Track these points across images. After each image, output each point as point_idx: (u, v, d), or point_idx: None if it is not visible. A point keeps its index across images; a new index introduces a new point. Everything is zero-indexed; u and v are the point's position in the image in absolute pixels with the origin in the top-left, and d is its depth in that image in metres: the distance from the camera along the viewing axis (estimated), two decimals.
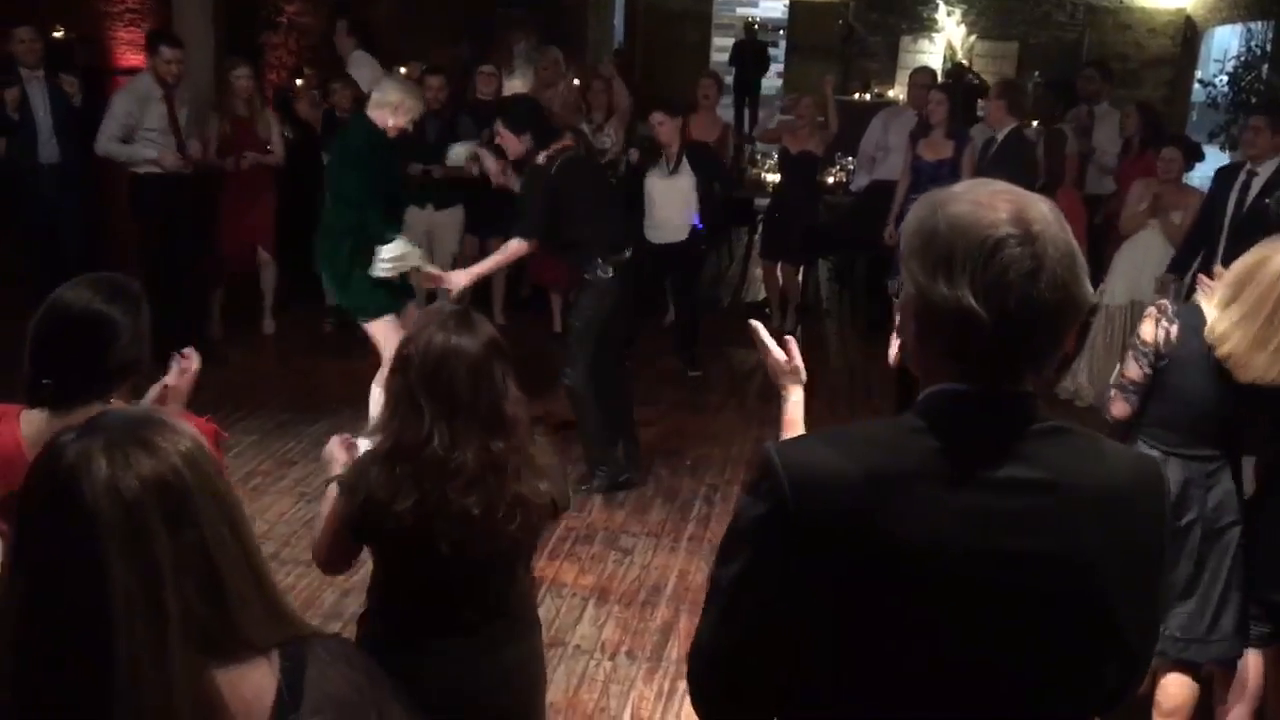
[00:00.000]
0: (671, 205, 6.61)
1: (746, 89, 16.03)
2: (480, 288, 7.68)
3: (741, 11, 20.95)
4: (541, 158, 4.88)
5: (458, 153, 5.57)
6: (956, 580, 1.34)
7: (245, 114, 6.90)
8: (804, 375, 2.29)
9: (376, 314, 5.13)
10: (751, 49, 16.16)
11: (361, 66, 7.67)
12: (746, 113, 15.81)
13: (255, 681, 1.26)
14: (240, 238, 7.04)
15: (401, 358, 2.27)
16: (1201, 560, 3.09)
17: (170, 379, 2.48)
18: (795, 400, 2.27)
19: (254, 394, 6.24)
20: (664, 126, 6.52)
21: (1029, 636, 1.36)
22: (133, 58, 9.85)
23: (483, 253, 7.53)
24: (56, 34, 8.44)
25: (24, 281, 5.96)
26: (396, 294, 5.18)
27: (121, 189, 6.72)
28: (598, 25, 13.76)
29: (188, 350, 2.53)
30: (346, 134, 5.27)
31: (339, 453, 2.52)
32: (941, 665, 1.35)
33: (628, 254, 5.09)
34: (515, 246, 5.00)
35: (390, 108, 4.99)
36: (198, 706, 1.19)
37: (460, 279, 5.03)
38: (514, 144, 4.95)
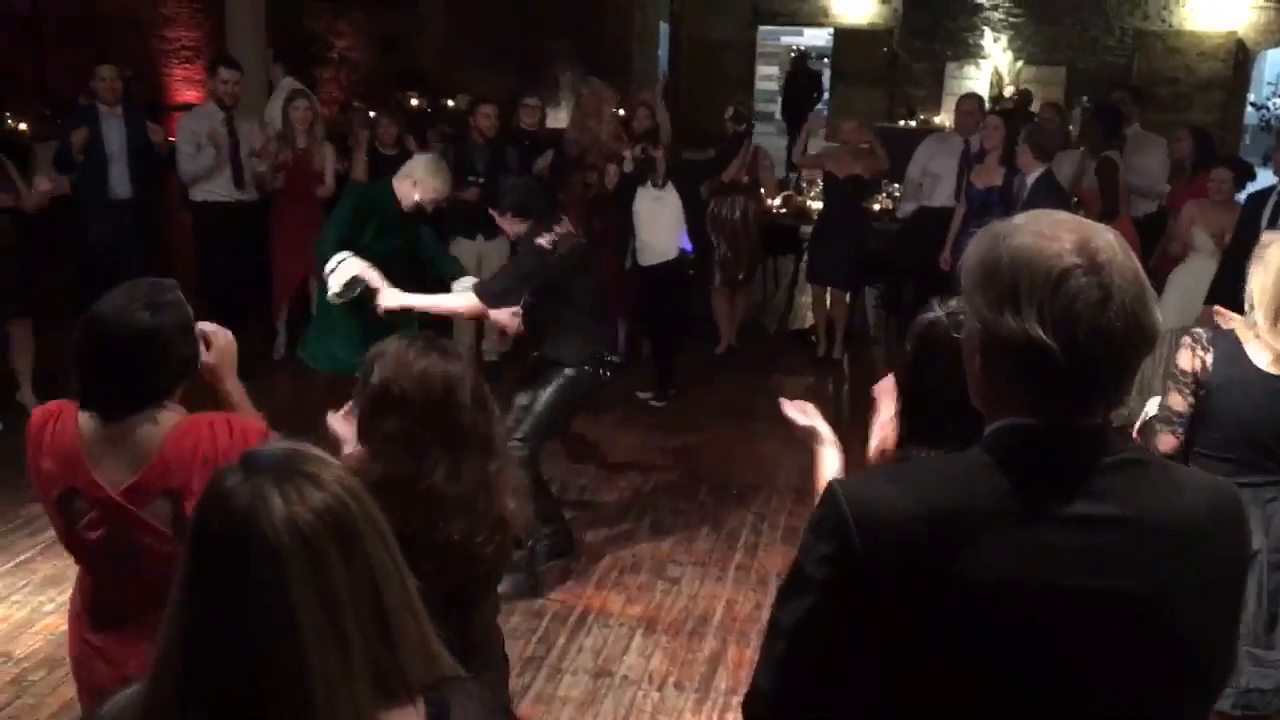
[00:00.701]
0: (659, 227, 6.61)
1: (799, 119, 15.80)
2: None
3: (786, 40, 21.01)
4: (546, 241, 4.57)
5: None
6: (1028, 619, 1.31)
7: (304, 145, 7.05)
8: (825, 435, 2.27)
9: (327, 367, 5.06)
10: (804, 78, 15.90)
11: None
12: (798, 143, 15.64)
13: None
14: (292, 266, 7.16)
15: (391, 396, 2.13)
16: (1275, 595, 2.99)
17: (207, 358, 2.41)
18: (824, 459, 2.23)
19: (303, 414, 6.31)
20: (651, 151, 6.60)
21: (1103, 676, 1.33)
22: (188, 93, 10.09)
23: None
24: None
25: (81, 310, 6.08)
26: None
27: (184, 221, 6.94)
28: (642, 55, 13.86)
29: (204, 327, 2.42)
30: (351, 191, 5.28)
31: (344, 429, 2.47)
32: (1014, 705, 1.33)
33: (617, 360, 4.91)
34: (468, 303, 4.66)
35: (411, 181, 4.93)
36: None
37: (392, 300, 4.67)
38: (512, 227, 4.69)
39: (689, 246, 6.58)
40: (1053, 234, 1.33)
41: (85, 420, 2.22)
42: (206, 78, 6.84)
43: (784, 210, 8.55)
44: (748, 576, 4.75)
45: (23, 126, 8.40)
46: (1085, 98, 13.00)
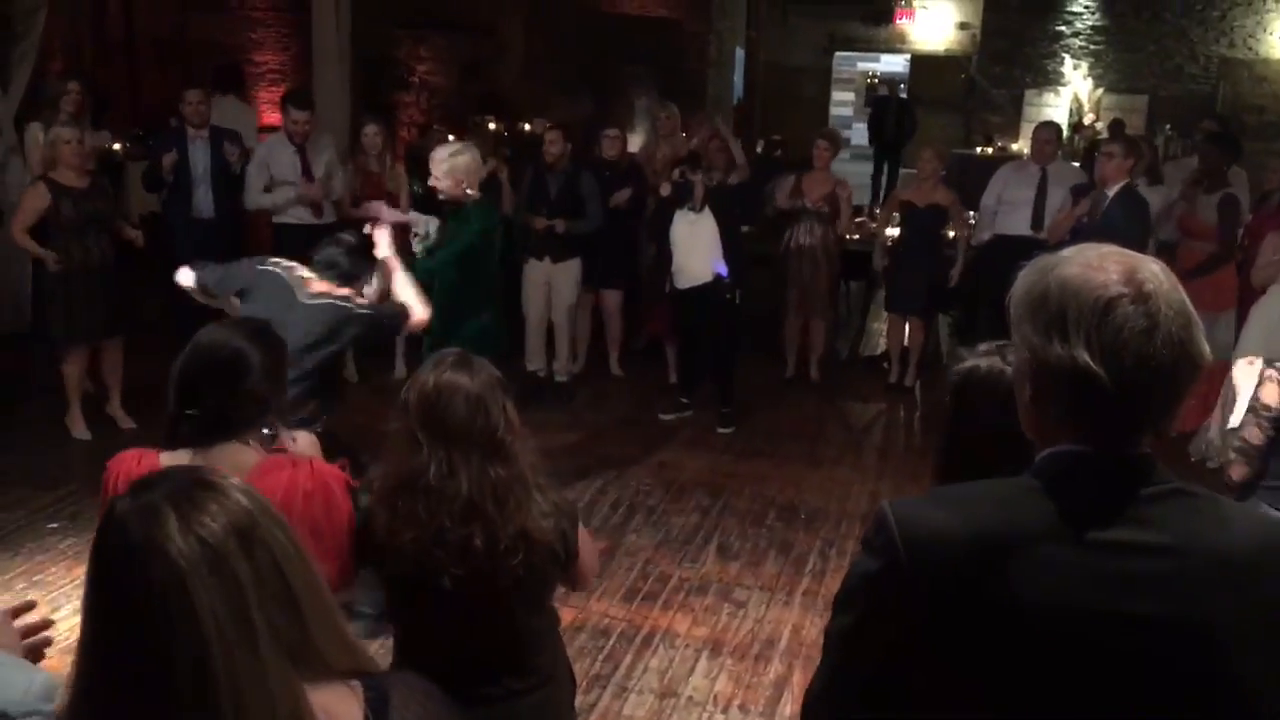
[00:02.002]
0: (694, 251, 6.58)
1: (887, 150, 15.21)
2: (596, 339, 7.84)
3: (862, 66, 20.97)
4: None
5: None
6: (1072, 642, 1.33)
7: (376, 169, 7.20)
8: None
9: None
10: (895, 108, 15.34)
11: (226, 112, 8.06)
12: (884, 176, 15.14)
13: (344, 709, 1.31)
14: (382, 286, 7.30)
15: (402, 401, 2.31)
16: None
17: (300, 449, 2.56)
18: None
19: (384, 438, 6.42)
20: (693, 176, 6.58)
21: (1146, 701, 1.34)
22: (273, 116, 10.36)
23: (597, 304, 7.69)
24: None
25: (166, 327, 6.27)
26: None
27: (266, 240, 7.12)
28: (717, 80, 13.92)
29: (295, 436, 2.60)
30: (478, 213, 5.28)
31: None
32: None
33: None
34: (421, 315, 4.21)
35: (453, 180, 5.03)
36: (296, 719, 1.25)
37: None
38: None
39: (724, 270, 6.56)
40: (1100, 264, 1.36)
41: (168, 460, 2.26)
42: (281, 113, 7.01)
43: (856, 236, 8.54)
44: (814, 602, 4.73)
45: (116, 146, 8.69)
46: (1169, 126, 12.79)
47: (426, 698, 1.39)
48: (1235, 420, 3.23)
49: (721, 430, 6.80)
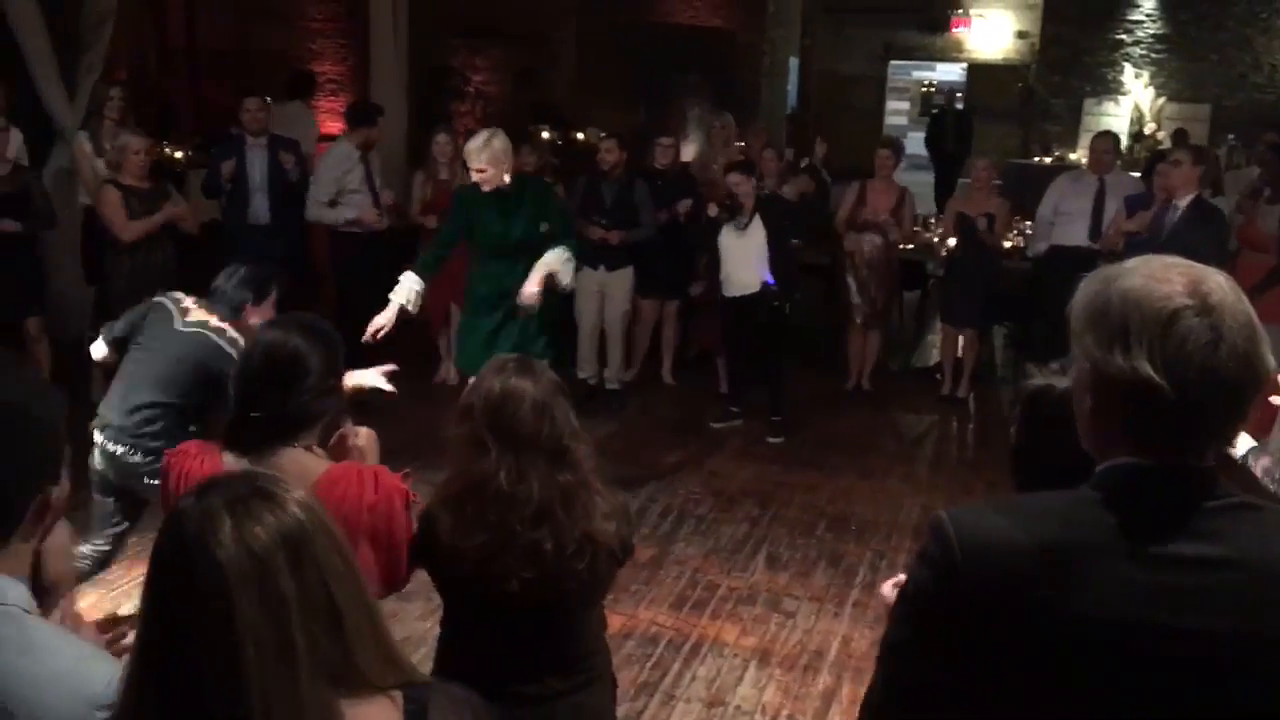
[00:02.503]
0: (742, 260, 6.58)
1: (946, 163, 14.77)
2: (651, 349, 7.85)
3: (918, 75, 20.83)
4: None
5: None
6: (1131, 656, 1.31)
7: (446, 177, 7.28)
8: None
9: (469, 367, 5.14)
10: (952, 120, 15.03)
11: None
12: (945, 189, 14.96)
13: (380, 718, 1.32)
14: (437, 293, 7.37)
15: (465, 405, 2.33)
16: None
17: (358, 442, 2.58)
18: None
19: (435, 442, 6.48)
20: (741, 186, 6.55)
21: (1206, 717, 1.32)
22: (332, 125, 10.50)
23: (650, 312, 7.70)
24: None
25: None
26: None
27: (323, 246, 7.23)
28: (771, 90, 13.90)
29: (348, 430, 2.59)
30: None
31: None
32: None
33: None
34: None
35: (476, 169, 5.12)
36: None
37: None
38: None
39: (771, 279, 6.55)
40: (1164, 276, 1.35)
41: (230, 461, 2.26)
42: (355, 122, 7.11)
43: (911, 246, 8.48)
44: (864, 614, 4.70)
45: (178, 154, 8.86)
46: (1231, 136, 12.56)
47: (466, 707, 1.40)
48: None
49: (771, 440, 6.77)
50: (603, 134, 7.80)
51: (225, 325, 3.88)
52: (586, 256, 7.13)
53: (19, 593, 1.48)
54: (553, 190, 5.39)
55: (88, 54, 7.50)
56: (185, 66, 11.12)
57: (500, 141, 5.07)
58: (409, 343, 7.49)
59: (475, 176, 5.08)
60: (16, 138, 6.77)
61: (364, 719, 1.30)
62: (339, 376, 2.42)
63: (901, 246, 8.06)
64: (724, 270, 6.71)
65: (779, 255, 6.61)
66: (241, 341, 3.73)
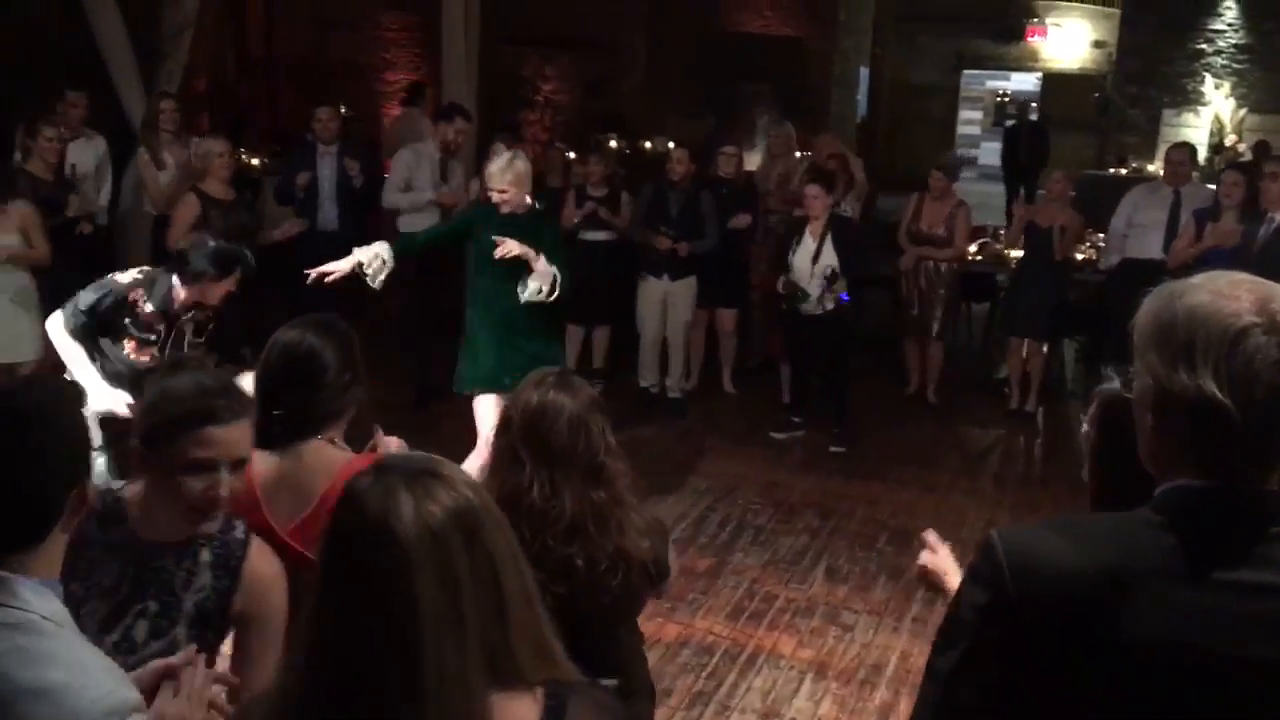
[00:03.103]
0: (816, 276, 6.46)
1: (1020, 176, 14.39)
2: (710, 357, 7.83)
3: (991, 85, 20.57)
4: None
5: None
6: (1187, 684, 1.28)
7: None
8: (945, 568, 2.20)
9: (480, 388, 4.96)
10: (1026, 132, 14.65)
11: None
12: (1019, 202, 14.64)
13: (521, 714, 1.31)
14: None
15: (503, 418, 2.34)
16: None
17: (389, 446, 2.65)
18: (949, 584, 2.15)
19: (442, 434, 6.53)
20: (818, 201, 6.42)
21: None
22: None
23: (712, 322, 7.69)
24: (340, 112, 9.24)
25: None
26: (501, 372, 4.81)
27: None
28: (841, 100, 13.82)
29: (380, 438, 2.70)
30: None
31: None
32: None
33: None
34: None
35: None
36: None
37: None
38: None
39: (845, 297, 6.43)
40: (1231, 293, 1.31)
41: (260, 460, 2.32)
42: (434, 122, 7.23)
43: (980, 257, 8.37)
44: (924, 629, 4.63)
45: (255, 161, 9.05)
46: None
47: (602, 711, 1.39)
48: None
49: (834, 449, 6.72)
50: (671, 143, 7.81)
51: (121, 281, 4.16)
52: (650, 266, 7.16)
53: (44, 602, 1.53)
54: (554, 218, 5.25)
55: (167, 63, 7.70)
56: (262, 75, 11.36)
57: (523, 164, 4.95)
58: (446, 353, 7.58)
59: (496, 197, 4.89)
60: (99, 146, 6.96)
61: (507, 713, 1.29)
62: (356, 370, 2.48)
63: (969, 258, 7.97)
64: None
65: (847, 269, 6.52)
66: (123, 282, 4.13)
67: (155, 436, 1.93)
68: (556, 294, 4.86)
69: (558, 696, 1.34)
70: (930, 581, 2.24)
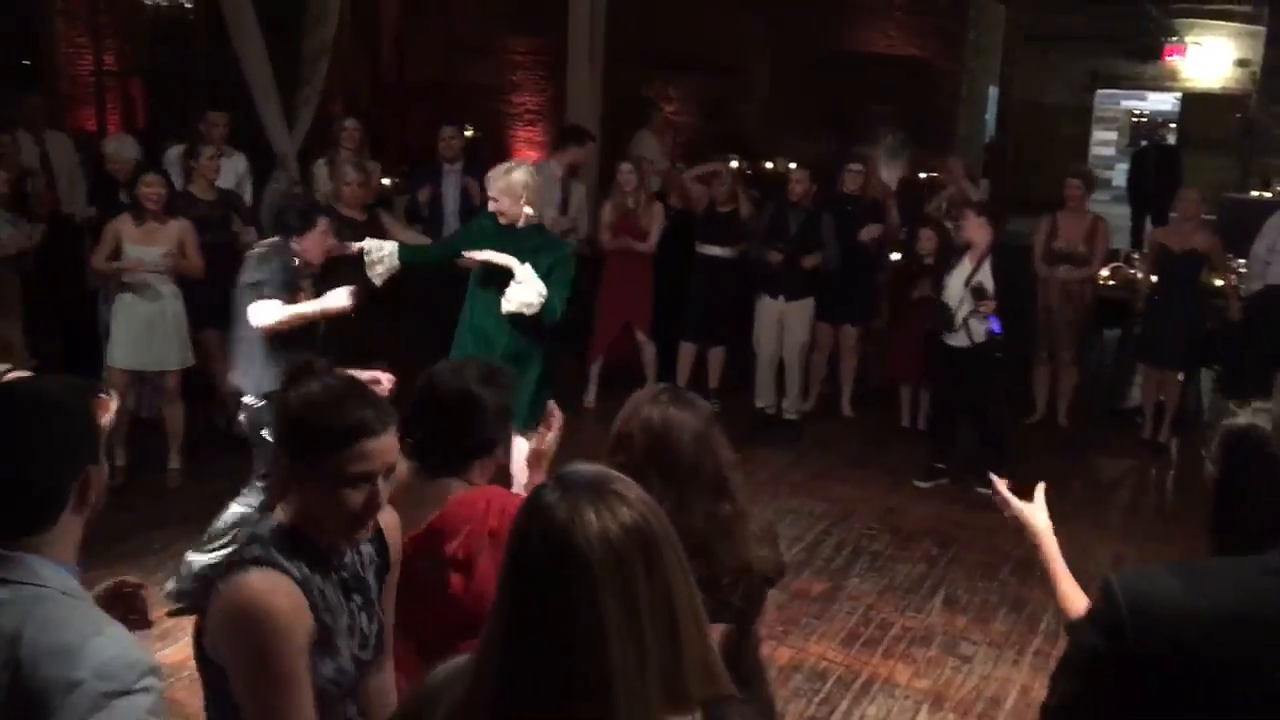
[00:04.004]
0: (964, 301, 6.22)
1: (1147, 202, 13.58)
2: (831, 378, 7.75)
3: (1126, 104, 19.93)
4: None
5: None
6: None
7: (632, 205, 7.43)
8: (1031, 523, 2.26)
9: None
10: (1157, 156, 13.92)
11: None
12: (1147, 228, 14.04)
13: None
14: (612, 318, 7.55)
15: (623, 435, 2.30)
16: None
17: (536, 443, 2.71)
18: (1044, 547, 2.20)
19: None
20: (980, 231, 6.19)
21: None
22: (529, 153, 10.87)
23: (835, 339, 7.60)
24: (467, 133, 9.46)
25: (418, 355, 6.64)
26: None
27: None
28: (968, 120, 13.55)
29: (553, 412, 2.75)
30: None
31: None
32: None
33: None
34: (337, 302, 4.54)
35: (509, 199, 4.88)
36: None
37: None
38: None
39: (998, 328, 6.15)
40: None
41: (403, 466, 2.35)
42: (562, 144, 7.35)
43: (1113, 282, 8.12)
44: (1046, 663, 4.49)
45: (386, 181, 9.31)
46: None
47: None
48: None
49: (980, 490, 6.52)
50: (792, 164, 7.79)
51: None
52: (767, 285, 7.13)
53: (61, 579, 1.64)
54: (570, 262, 4.93)
55: (305, 87, 8.01)
56: (394, 99, 11.71)
57: (521, 175, 4.79)
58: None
59: (490, 205, 4.85)
60: (239, 163, 7.26)
61: None
62: (507, 416, 2.56)
63: (1100, 282, 7.74)
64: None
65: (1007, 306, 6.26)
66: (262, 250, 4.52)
67: (309, 453, 1.90)
68: (543, 313, 4.67)
69: (714, 714, 1.34)
70: (1016, 522, 2.29)
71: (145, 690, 1.55)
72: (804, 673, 4.36)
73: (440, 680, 1.44)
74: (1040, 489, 2.25)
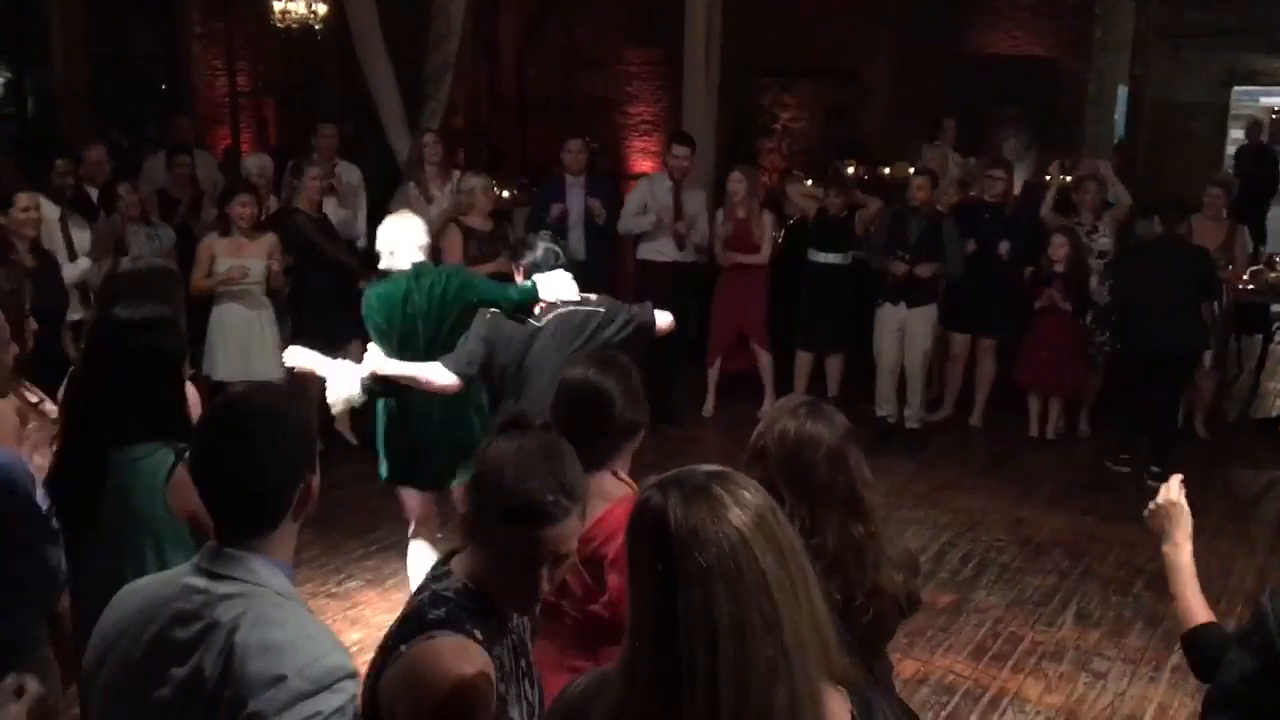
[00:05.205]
0: (1164, 309, 6.03)
1: (1251, 204, 12.80)
2: (965, 387, 7.55)
3: (1266, 102, 19.10)
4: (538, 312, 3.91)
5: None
6: None
7: (743, 215, 7.41)
8: (1181, 522, 2.16)
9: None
10: (1253, 156, 13.42)
11: None
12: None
13: (838, 710, 1.39)
14: (725, 327, 7.54)
15: (757, 449, 2.27)
16: None
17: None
18: (1179, 549, 2.11)
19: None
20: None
21: None
22: (644, 164, 10.93)
23: (971, 349, 7.43)
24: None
25: None
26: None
27: (631, 275, 7.58)
28: (1096, 120, 13.13)
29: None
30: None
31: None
32: None
33: None
34: (441, 378, 3.74)
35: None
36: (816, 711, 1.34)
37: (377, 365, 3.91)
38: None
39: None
40: None
41: None
42: (665, 152, 7.44)
43: (1252, 286, 7.78)
44: (1185, 680, 4.31)
45: (506, 194, 9.46)
46: None
47: (904, 712, 1.44)
48: None
49: (1152, 483, 6.37)
50: (912, 169, 7.67)
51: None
52: (887, 292, 7.03)
53: (279, 580, 1.73)
54: (470, 281, 4.31)
55: (430, 103, 8.21)
56: (513, 112, 11.90)
57: (383, 229, 4.33)
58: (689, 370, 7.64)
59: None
60: (353, 174, 7.47)
61: (831, 705, 1.37)
62: (638, 404, 2.55)
63: (1240, 287, 7.43)
64: (1130, 316, 6.34)
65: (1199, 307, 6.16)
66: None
67: (486, 517, 1.80)
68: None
69: (862, 694, 1.40)
70: (1158, 521, 2.22)
71: (339, 692, 1.63)
72: (930, 686, 4.28)
73: (582, 691, 1.48)
74: (1177, 478, 2.17)
